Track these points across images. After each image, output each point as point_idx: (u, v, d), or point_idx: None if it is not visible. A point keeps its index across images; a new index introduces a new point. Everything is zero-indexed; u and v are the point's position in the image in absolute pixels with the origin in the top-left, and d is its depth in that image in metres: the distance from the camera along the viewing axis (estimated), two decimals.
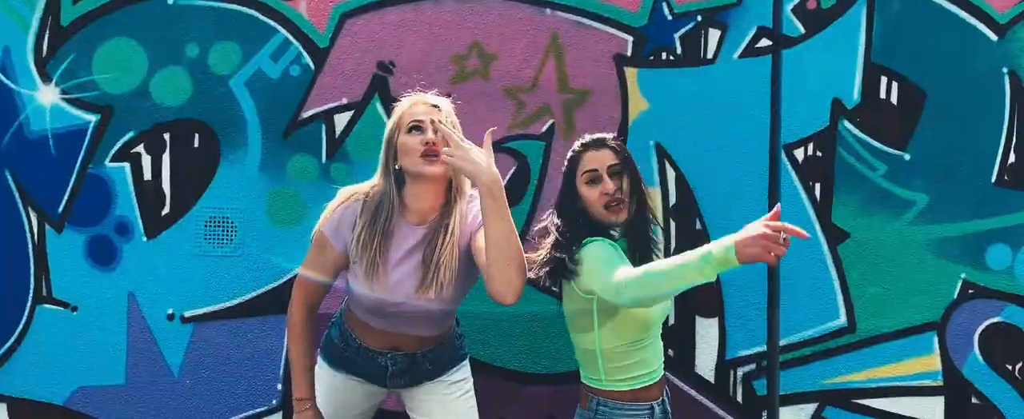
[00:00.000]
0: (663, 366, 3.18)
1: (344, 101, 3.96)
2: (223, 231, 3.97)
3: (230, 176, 3.96)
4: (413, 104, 3.09)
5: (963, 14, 3.98)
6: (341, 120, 3.96)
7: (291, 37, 3.96)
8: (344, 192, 3.18)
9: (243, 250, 3.97)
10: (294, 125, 3.97)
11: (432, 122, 3.05)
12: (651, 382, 3.11)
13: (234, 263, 3.97)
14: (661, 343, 3.19)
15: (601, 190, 3.11)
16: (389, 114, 3.22)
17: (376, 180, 3.14)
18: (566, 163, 3.22)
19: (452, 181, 3.15)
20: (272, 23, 3.96)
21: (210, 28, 3.95)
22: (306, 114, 3.97)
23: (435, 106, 3.13)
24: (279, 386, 3.98)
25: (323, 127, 3.97)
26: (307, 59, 3.97)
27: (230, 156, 3.96)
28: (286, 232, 3.96)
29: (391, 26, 3.97)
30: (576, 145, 3.21)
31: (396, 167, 3.07)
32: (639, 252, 3.16)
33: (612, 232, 3.15)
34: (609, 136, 3.21)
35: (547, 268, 3.09)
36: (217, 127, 3.95)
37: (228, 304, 3.98)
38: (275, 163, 3.97)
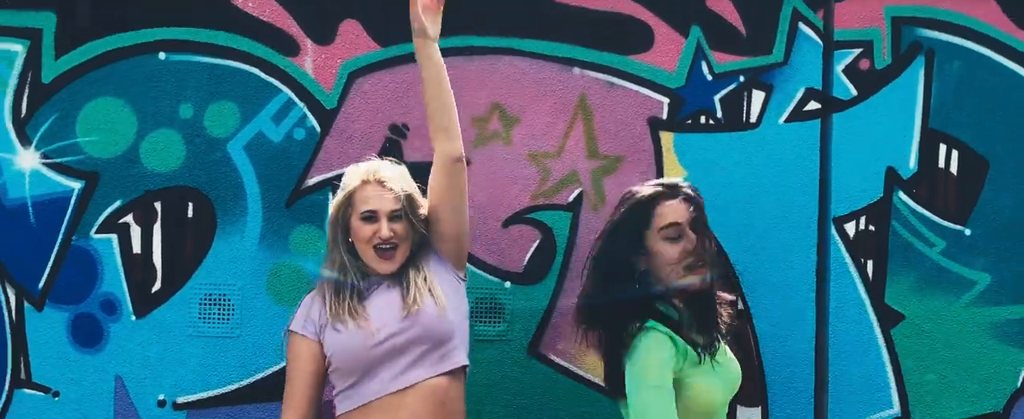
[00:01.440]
0: None
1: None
2: (219, 310, 3.70)
3: (227, 249, 3.69)
4: (364, 184, 3.02)
5: None
6: None
7: (295, 97, 3.69)
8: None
9: (242, 330, 3.70)
10: (298, 193, 3.70)
11: (387, 214, 3.00)
12: None
13: (232, 345, 3.69)
14: None
15: (683, 248, 2.81)
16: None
17: (326, 264, 3.11)
18: (627, 213, 2.90)
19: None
20: (274, 82, 3.69)
21: (206, 87, 3.68)
22: (311, 181, 3.71)
23: (387, 186, 3.02)
24: None
25: (330, 195, 3.69)
26: (313, 121, 3.70)
27: (227, 227, 3.69)
28: (288, 311, 3.65)
29: (404, 85, 3.71)
30: (641, 192, 2.91)
31: (350, 240, 3.05)
32: (704, 328, 2.88)
33: (676, 301, 2.88)
34: (682, 181, 2.95)
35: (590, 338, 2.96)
36: (213, 195, 3.68)
37: (225, 389, 3.71)
38: (277, 235, 3.69)
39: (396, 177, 3.05)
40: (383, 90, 3.71)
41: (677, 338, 2.82)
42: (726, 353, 3.00)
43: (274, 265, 3.69)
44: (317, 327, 3.01)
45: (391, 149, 3.69)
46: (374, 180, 3.00)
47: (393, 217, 2.98)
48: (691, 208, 2.88)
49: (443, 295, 3.01)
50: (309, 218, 3.70)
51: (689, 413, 2.81)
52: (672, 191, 2.90)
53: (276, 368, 3.67)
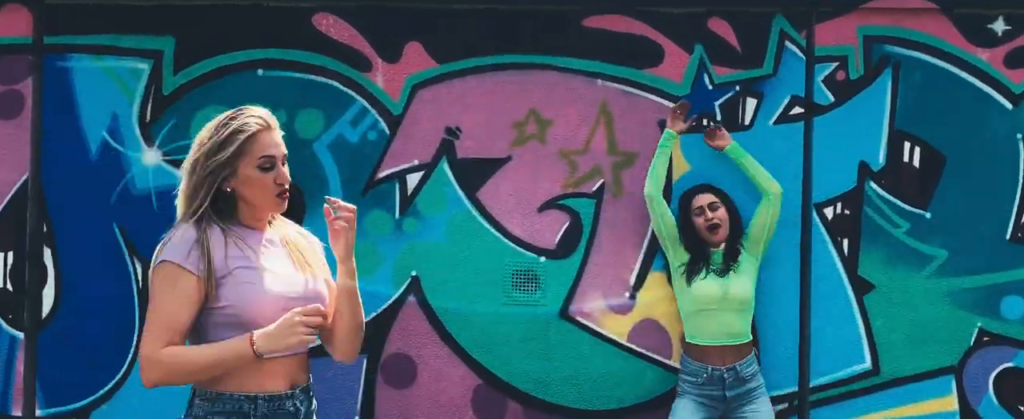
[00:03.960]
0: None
1: (416, 162, 4.37)
2: None
3: (316, 230, 4.31)
4: (261, 132, 2.59)
5: (981, 84, 4.32)
6: (412, 180, 4.38)
7: (368, 105, 4.38)
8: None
9: None
10: (371, 184, 4.38)
11: (282, 159, 2.67)
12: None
13: None
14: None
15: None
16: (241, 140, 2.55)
17: (184, 201, 2.59)
18: None
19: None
20: (351, 93, 4.38)
21: (296, 97, 4.38)
22: (382, 174, 4.38)
23: (277, 130, 2.69)
24: (356, 417, 4.40)
25: (397, 186, 4.39)
26: (383, 125, 4.39)
27: (315, 212, 4.35)
28: (364, 280, 4.34)
29: (457, 94, 4.38)
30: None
31: (227, 189, 2.56)
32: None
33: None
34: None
35: None
36: (303, 186, 4.36)
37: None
38: (355, 218, 4.36)
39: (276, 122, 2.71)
40: (440, 99, 4.40)
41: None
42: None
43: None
44: (208, 270, 2.48)
45: (447, 148, 4.38)
46: (269, 125, 2.63)
47: (285, 161, 2.68)
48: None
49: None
50: (380, 204, 4.38)
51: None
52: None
53: None
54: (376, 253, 4.38)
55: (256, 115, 2.62)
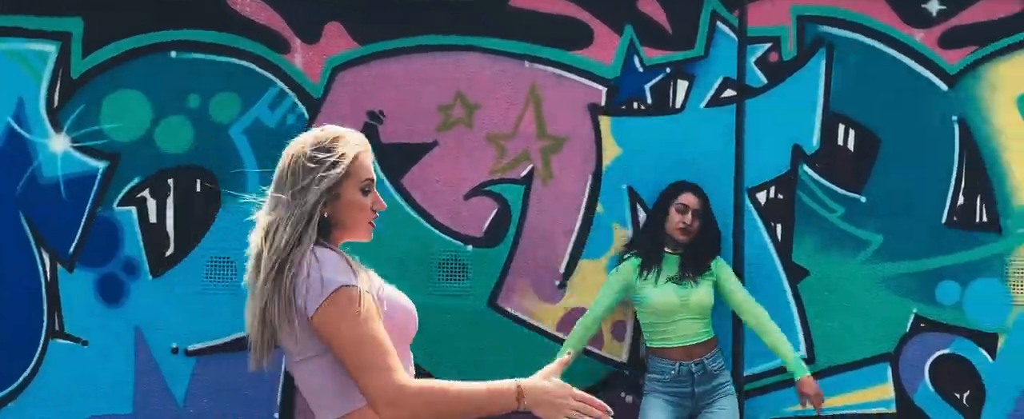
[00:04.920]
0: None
1: None
2: (223, 270, 4.24)
3: (230, 218, 4.23)
4: (363, 153, 2.41)
5: (916, 65, 4.26)
6: None
7: (287, 88, 4.23)
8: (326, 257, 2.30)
9: (242, 288, 4.22)
10: None
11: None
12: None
13: (234, 300, 4.21)
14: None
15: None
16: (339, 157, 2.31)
17: (293, 229, 2.31)
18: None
19: None
20: (269, 75, 4.23)
21: (211, 80, 4.22)
22: None
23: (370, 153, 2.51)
24: (276, 415, 4.25)
25: None
26: (302, 108, 4.24)
27: (230, 199, 4.22)
28: None
29: (380, 77, 4.25)
30: None
31: (325, 214, 2.35)
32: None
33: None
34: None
35: None
36: (218, 172, 4.22)
37: (228, 339, 4.24)
38: None
39: None
40: (362, 82, 4.26)
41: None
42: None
43: None
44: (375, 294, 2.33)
45: (369, 132, 4.23)
46: (367, 148, 2.45)
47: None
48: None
49: None
50: None
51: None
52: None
53: None
54: None
55: (354, 135, 2.42)
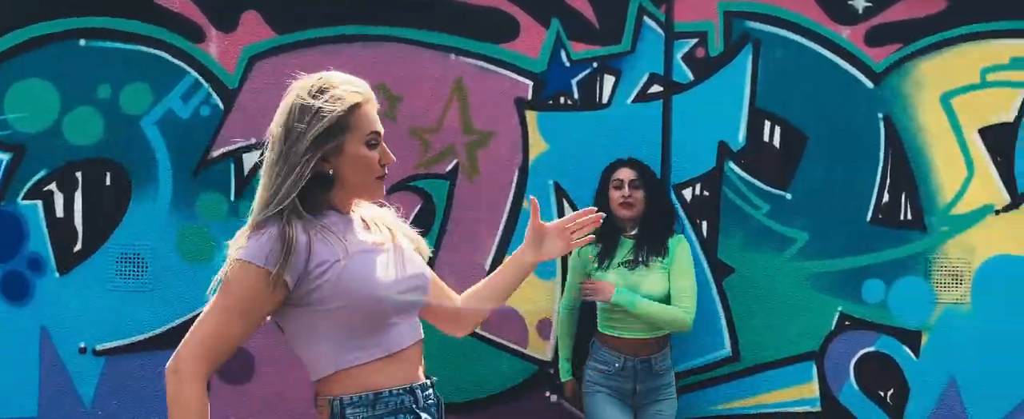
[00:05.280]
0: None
1: (252, 141, 4.08)
2: (134, 267, 4.09)
3: (141, 213, 4.09)
4: (366, 103, 2.24)
5: (842, 63, 4.23)
6: (249, 159, 4.10)
7: (201, 78, 4.10)
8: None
9: (154, 285, 4.10)
10: (204, 164, 4.10)
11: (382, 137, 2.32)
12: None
13: (145, 298, 4.09)
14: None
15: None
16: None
17: (270, 190, 2.18)
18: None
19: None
20: (183, 65, 4.09)
21: (121, 69, 4.07)
22: (216, 153, 4.11)
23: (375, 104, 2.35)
24: None
25: (232, 166, 4.11)
26: (216, 100, 4.11)
27: (141, 194, 4.08)
28: (196, 268, 4.09)
29: (300, 68, 4.08)
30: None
31: (329, 170, 2.19)
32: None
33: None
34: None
35: None
36: (128, 166, 4.07)
37: (139, 338, 4.10)
38: (185, 201, 4.10)
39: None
40: (280, 72, 4.09)
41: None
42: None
43: (182, 227, 4.10)
44: (295, 264, 2.12)
45: None
46: (371, 98, 2.29)
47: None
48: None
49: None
50: (213, 185, 4.10)
51: None
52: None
53: (184, 318, 4.08)
54: (210, 238, 4.09)
55: (354, 83, 2.25)
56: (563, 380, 4.09)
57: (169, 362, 2.07)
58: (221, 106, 4.11)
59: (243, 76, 4.11)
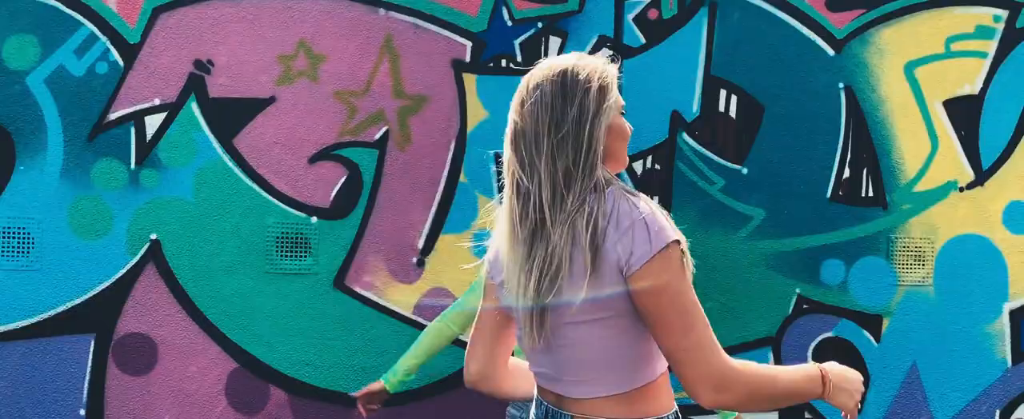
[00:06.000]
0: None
1: (157, 102, 3.68)
2: (19, 243, 3.63)
3: (27, 182, 3.62)
4: (614, 77, 2.17)
5: (802, 28, 3.99)
6: (153, 122, 3.68)
7: (98, 31, 3.65)
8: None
9: (41, 264, 3.64)
10: (100, 127, 3.67)
11: None
12: None
13: (31, 278, 3.63)
14: None
15: None
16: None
17: (591, 175, 1.98)
18: None
19: None
20: (76, 16, 3.64)
21: (4, 19, 3.60)
22: (114, 116, 3.67)
23: None
24: (82, 411, 3.66)
25: (132, 130, 3.67)
26: (115, 56, 3.67)
27: (27, 160, 3.62)
28: (90, 244, 3.64)
29: (210, 22, 3.71)
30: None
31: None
32: None
33: None
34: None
35: None
36: (12, 128, 3.61)
37: (24, 323, 3.64)
38: (79, 169, 3.65)
39: None
40: (188, 26, 3.70)
41: None
42: None
43: (74, 198, 3.65)
44: None
45: (196, 85, 3.69)
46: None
47: None
48: None
49: None
50: (111, 152, 3.66)
51: None
52: None
53: (78, 301, 3.63)
54: (106, 211, 3.65)
55: (603, 61, 2.12)
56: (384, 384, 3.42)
57: (710, 395, 1.87)
58: (120, 63, 3.66)
59: (145, 30, 3.67)
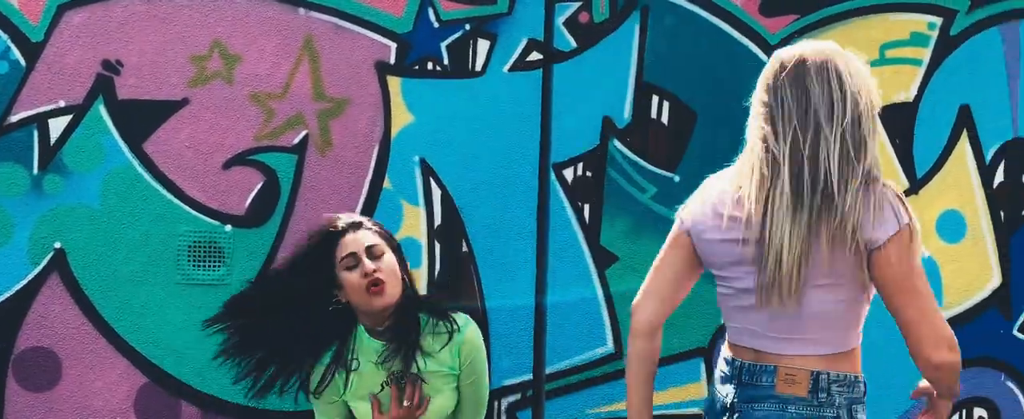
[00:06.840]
0: None
1: (61, 104, 3.52)
2: None
3: None
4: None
5: (735, 33, 3.93)
6: (57, 125, 3.51)
7: None
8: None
9: None
10: (0, 130, 3.49)
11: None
12: None
13: None
14: None
15: (362, 271, 3.04)
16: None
17: (868, 154, 2.43)
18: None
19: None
20: None
21: None
22: (15, 117, 3.50)
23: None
24: None
25: (36, 133, 3.50)
26: (16, 54, 3.50)
27: None
28: None
29: (119, 20, 3.55)
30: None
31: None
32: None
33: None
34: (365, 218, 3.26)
35: None
36: None
37: None
38: None
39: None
40: (95, 25, 3.53)
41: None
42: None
43: None
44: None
45: (103, 86, 3.53)
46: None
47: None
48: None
49: None
50: (12, 156, 3.49)
51: None
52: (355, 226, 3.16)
53: None
54: (6, 219, 3.48)
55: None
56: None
57: (945, 354, 2.32)
58: (22, 62, 3.49)
59: (50, 28, 3.50)
